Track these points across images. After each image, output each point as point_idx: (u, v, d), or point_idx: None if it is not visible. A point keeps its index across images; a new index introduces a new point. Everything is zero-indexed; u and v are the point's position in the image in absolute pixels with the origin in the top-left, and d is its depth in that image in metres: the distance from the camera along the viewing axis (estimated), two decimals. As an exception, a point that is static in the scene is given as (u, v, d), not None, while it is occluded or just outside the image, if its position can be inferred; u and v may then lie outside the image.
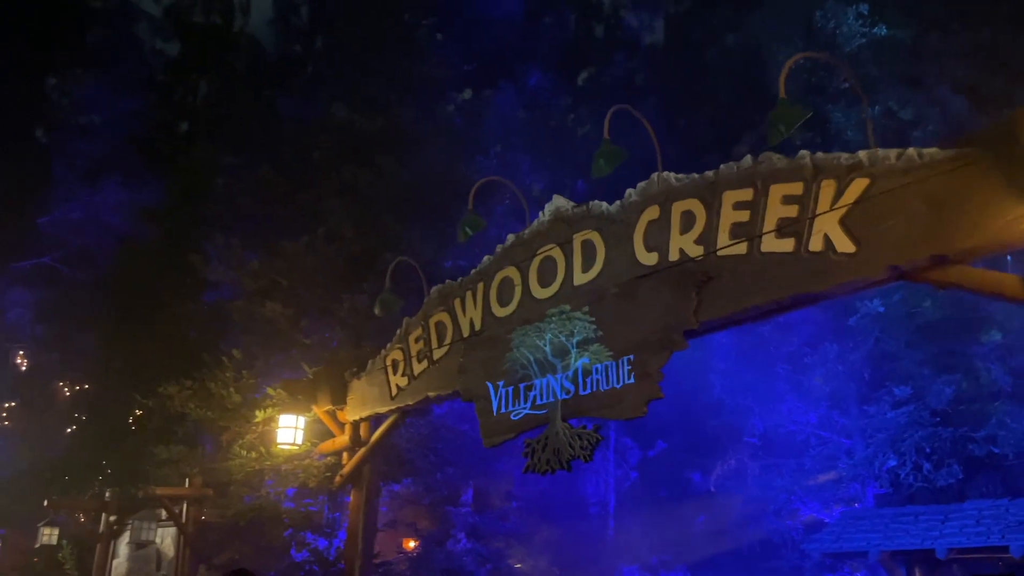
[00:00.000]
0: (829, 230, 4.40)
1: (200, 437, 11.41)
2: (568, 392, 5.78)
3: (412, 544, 16.95)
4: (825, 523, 12.75)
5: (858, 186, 4.31)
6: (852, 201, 4.31)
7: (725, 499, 16.87)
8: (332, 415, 8.99)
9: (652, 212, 5.54)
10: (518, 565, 18.58)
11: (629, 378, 5.36)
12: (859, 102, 16.04)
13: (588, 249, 5.98)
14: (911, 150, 4.16)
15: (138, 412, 16.12)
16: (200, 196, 17.28)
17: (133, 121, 25.91)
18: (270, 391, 10.01)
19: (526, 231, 6.69)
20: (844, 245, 4.31)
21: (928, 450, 12.20)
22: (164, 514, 11.25)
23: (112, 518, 12.45)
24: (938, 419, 12.35)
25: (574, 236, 6.15)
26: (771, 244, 4.70)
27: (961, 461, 12.19)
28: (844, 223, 4.34)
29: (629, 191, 5.81)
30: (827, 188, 4.46)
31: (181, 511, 10.78)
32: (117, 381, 16.89)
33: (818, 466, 14.03)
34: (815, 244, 4.46)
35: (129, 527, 12.24)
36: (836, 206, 4.39)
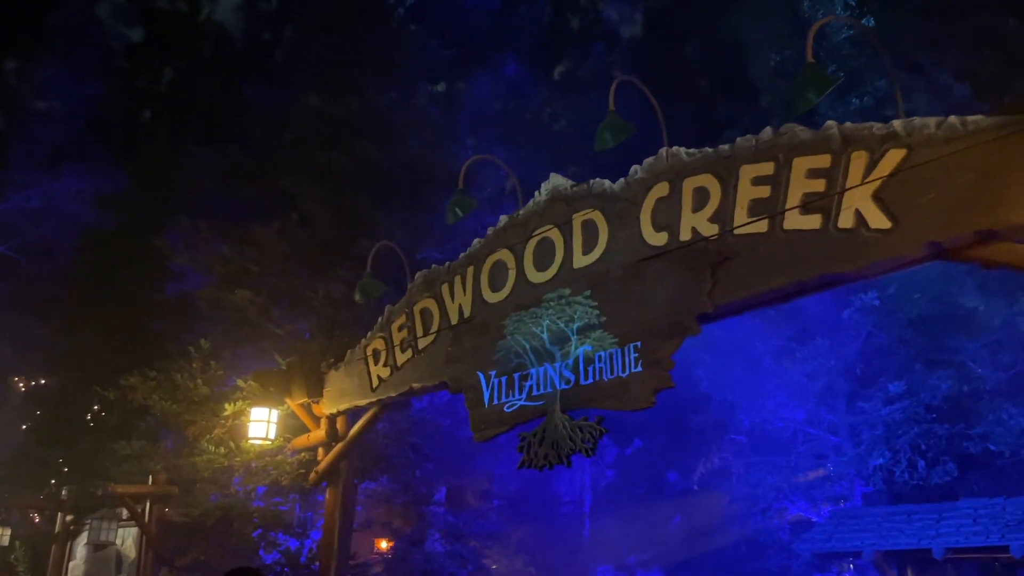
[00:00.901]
0: (861, 205, 4.10)
1: (164, 432, 10.89)
2: (568, 382, 5.44)
3: (385, 545, 16.54)
4: (813, 522, 12.59)
5: (893, 157, 4.02)
6: (887, 174, 4.03)
7: (709, 498, 16.69)
8: (307, 408, 8.57)
9: (661, 189, 5.21)
10: (493, 566, 18.27)
11: (636, 366, 5.03)
12: (846, 91, 15.95)
13: (589, 230, 5.65)
14: (952, 118, 3.88)
15: (97, 407, 15.48)
16: (165, 182, 16.67)
17: (95, 107, 25.06)
18: (240, 383, 9.54)
19: (520, 211, 6.34)
20: (878, 221, 4.02)
21: (924, 447, 12.08)
22: (125, 513, 10.70)
23: (69, 518, 11.86)
24: (934, 415, 12.24)
25: (574, 216, 5.81)
26: (795, 221, 4.40)
27: (955, 459, 12.10)
28: (878, 197, 4.05)
29: (635, 168, 5.49)
30: (858, 160, 4.17)
31: (143, 510, 10.25)
32: (76, 375, 16.22)
33: (806, 464, 13.88)
34: (845, 220, 4.16)
35: (87, 527, 11.67)
36: (869, 179, 4.10)
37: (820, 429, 13.92)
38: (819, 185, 4.32)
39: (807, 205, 4.34)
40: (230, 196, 11.98)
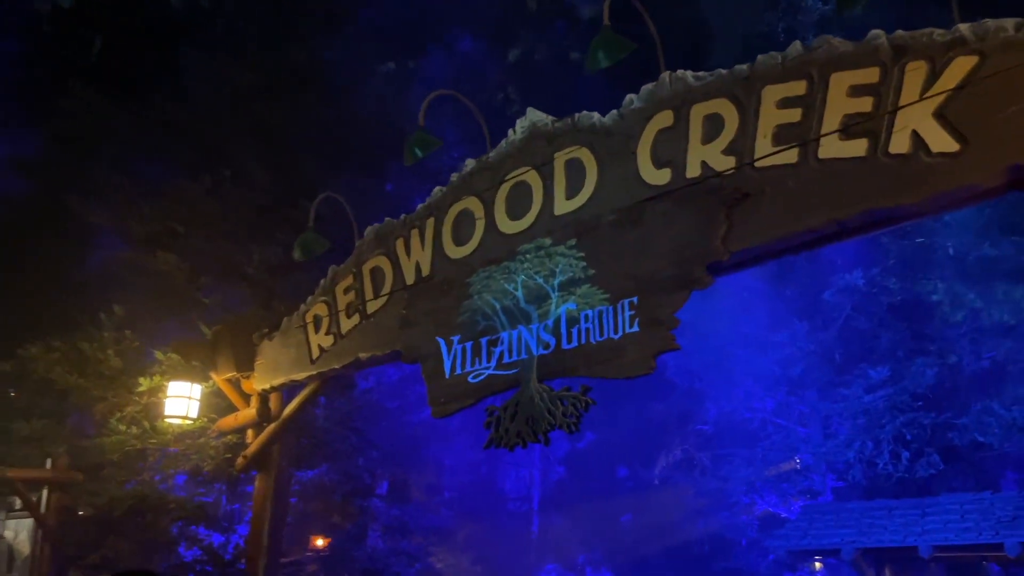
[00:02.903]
0: (919, 125, 3.47)
1: (70, 411, 9.81)
2: (547, 346, 4.72)
3: (322, 542, 15.60)
4: (783, 519, 12.14)
5: (962, 67, 3.39)
6: (953, 86, 3.40)
7: (670, 493, 16.17)
8: (235, 384, 7.71)
9: (663, 119, 4.52)
10: (438, 564, 17.50)
11: (631, 326, 4.33)
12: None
13: (575, 170, 4.93)
14: (1037, 18, 3.24)
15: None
16: (87, 140, 15.35)
17: (14, 69, 23.28)
18: (159, 355, 8.57)
19: (491, 153, 5.59)
20: (942, 143, 3.39)
21: (909, 437, 11.72)
22: (19, 502, 9.58)
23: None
24: (920, 403, 11.89)
25: (555, 155, 5.08)
26: (833, 148, 3.75)
27: (939, 451, 11.78)
28: (941, 115, 3.42)
29: (629, 97, 4.78)
30: (915, 72, 3.53)
31: (39, 499, 9.17)
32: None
33: (777, 456, 13.42)
34: (898, 144, 3.52)
35: (-29, 517, 10.48)
36: (929, 94, 3.46)
37: (792, 419, 13.50)
38: (864, 104, 3.68)
39: (849, 128, 3.69)
40: (156, 152, 10.91)
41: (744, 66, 4.23)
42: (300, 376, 6.96)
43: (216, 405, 8.68)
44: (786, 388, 13.41)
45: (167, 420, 7.70)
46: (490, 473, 26.17)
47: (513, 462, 27.49)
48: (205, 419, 8.06)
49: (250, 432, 7.75)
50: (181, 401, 7.52)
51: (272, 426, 7.56)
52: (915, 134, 3.48)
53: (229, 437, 8.57)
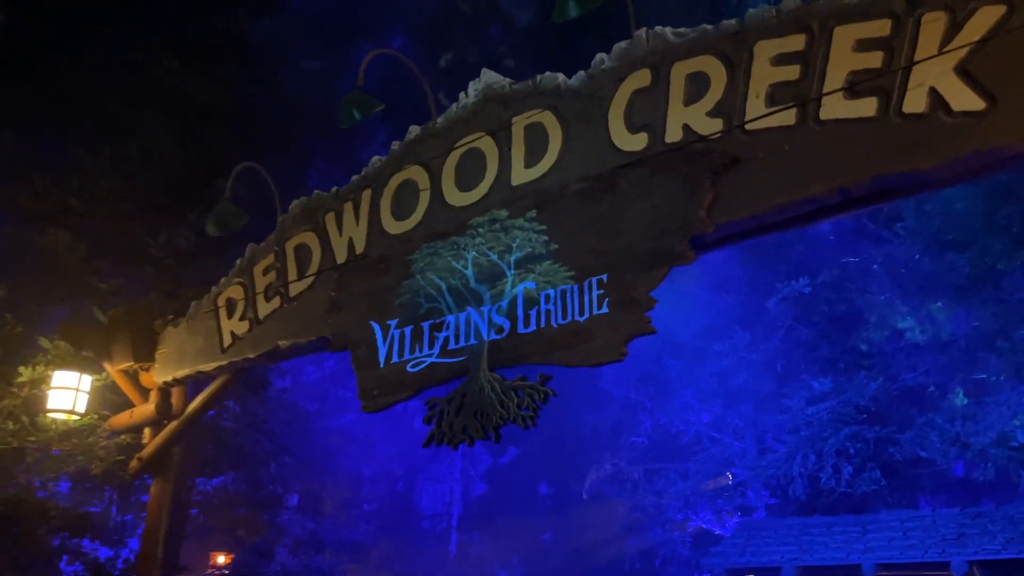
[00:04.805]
0: (938, 82, 3.15)
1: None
2: (500, 331, 4.24)
3: (224, 559, 14.59)
4: (717, 535, 11.91)
5: (986, 17, 3.10)
6: (978, 39, 3.08)
7: (600, 508, 15.80)
8: (133, 376, 6.95)
9: (639, 78, 4.12)
10: (352, 584, 16.67)
11: (600, 307, 3.90)
12: None
13: (536, 135, 4.48)
14: (1072, -36, 2.96)
15: None
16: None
17: None
18: (44, 343, 7.68)
19: (439, 119, 5.09)
20: (966, 101, 3.08)
21: (852, 451, 11.66)
22: None
23: None
24: (865, 416, 11.86)
25: (514, 120, 4.61)
26: (837, 108, 3.41)
27: (880, 466, 11.77)
28: (964, 71, 3.11)
29: (600, 56, 4.36)
30: (932, 24, 3.22)
31: None
32: None
33: (712, 471, 13.21)
34: (914, 103, 3.20)
35: None
36: (950, 48, 3.14)
37: (728, 432, 13.33)
38: (873, 60, 3.35)
39: (856, 86, 3.35)
40: (52, 121, 9.92)
41: (732, 21, 3.87)
42: (208, 367, 6.28)
43: (110, 402, 7.85)
44: (723, 400, 13.27)
45: (50, 415, 6.84)
46: (407, 487, 25.45)
47: (432, 477, 26.83)
48: (96, 415, 7.23)
49: (147, 431, 6.98)
50: (67, 393, 6.70)
51: (173, 425, 6.82)
52: (933, 91, 3.16)
53: (123, 437, 7.76)
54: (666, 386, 13.53)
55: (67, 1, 12.92)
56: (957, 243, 11.44)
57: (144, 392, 6.93)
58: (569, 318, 4.00)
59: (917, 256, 11.73)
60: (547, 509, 18.70)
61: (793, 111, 3.53)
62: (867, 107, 3.32)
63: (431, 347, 4.54)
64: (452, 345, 4.44)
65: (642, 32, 4.21)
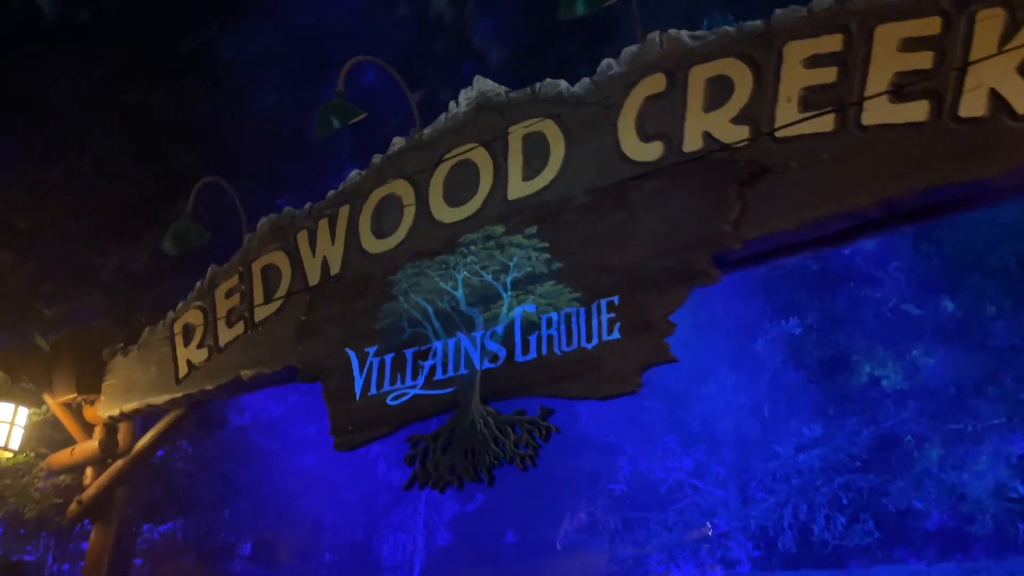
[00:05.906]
0: (999, 83, 2.89)
1: None
2: (495, 359, 3.84)
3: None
4: (699, 590, 11.46)
5: (1052, 13, 2.81)
6: (1043, 36, 2.80)
7: (574, 560, 15.22)
8: (76, 410, 6.41)
9: (652, 84, 3.81)
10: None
11: (609, 332, 3.53)
12: None
13: (535, 146, 4.15)
14: None
15: None
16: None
17: None
18: (-23, 372, 7.08)
19: (425, 130, 4.73)
20: (1032, 103, 2.77)
21: (845, 501, 11.33)
22: None
23: None
24: (858, 464, 11.55)
25: (511, 129, 4.28)
26: (882, 112, 3.12)
27: (873, 517, 11.45)
28: (1029, 71, 2.80)
29: (607, 61, 4.06)
30: (988, 22, 2.97)
31: None
32: None
33: (694, 520, 12.78)
34: (971, 106, 2.92)
35: None
36: (1010, 46, 2.87)
37: (714, 480, 12.93)
38: (922, 60, 3.08)
39: (904, 89, 3.05)
40: (1, 132, 9.41)
41: (757, 22, 3.59)
42: (160, 400, 5.77)
43: (49, 438, 7.27)
44: (712, 443, 12.91)
45: (-22, 451, 6.25)
46: (367, 535, 24.61)
47: (393, 525, 25.97)
48: (32, 453, 6.64)
49: (89, 471, 6.42)
50: (0, 428, 6.11)
51: (118, 464, 6.26)
52: (994, 93, 2.89)
53: (62, 478, 7.15)
54: (648, 431, 13.14)
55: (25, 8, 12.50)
56: (949, 285, 11.39)
57: (88, 428, 6.39)
58: (575, 344, 3.62)
59: (907, 299, 11.65)
60: (517, 560, 18.05)
61: (831, 116, 3.23)
62: (917, 111, 3.03)
63: (415, 377, 4.12)
64: (439, 375, 4.03)
65: (655, 35, 3.92)
